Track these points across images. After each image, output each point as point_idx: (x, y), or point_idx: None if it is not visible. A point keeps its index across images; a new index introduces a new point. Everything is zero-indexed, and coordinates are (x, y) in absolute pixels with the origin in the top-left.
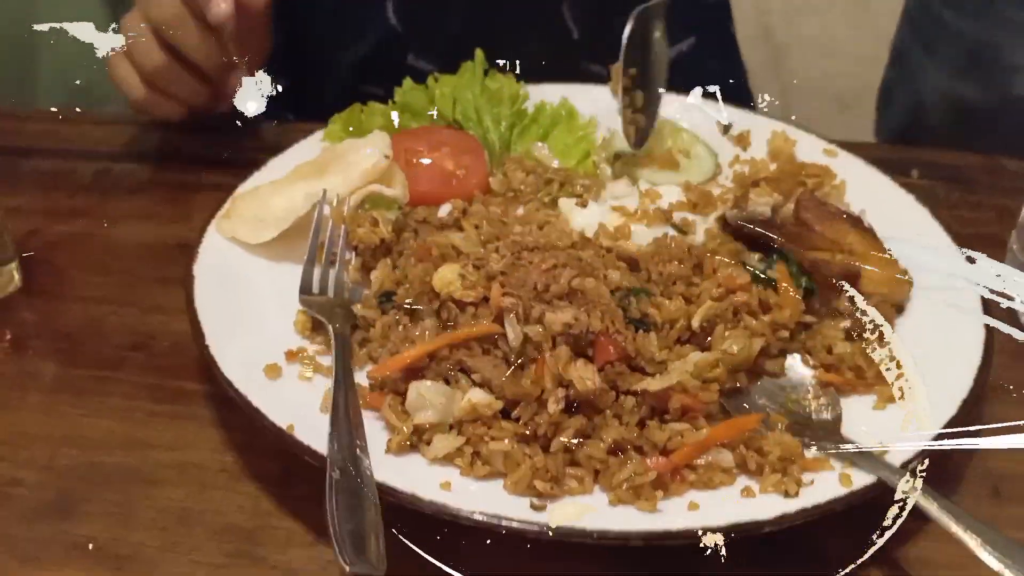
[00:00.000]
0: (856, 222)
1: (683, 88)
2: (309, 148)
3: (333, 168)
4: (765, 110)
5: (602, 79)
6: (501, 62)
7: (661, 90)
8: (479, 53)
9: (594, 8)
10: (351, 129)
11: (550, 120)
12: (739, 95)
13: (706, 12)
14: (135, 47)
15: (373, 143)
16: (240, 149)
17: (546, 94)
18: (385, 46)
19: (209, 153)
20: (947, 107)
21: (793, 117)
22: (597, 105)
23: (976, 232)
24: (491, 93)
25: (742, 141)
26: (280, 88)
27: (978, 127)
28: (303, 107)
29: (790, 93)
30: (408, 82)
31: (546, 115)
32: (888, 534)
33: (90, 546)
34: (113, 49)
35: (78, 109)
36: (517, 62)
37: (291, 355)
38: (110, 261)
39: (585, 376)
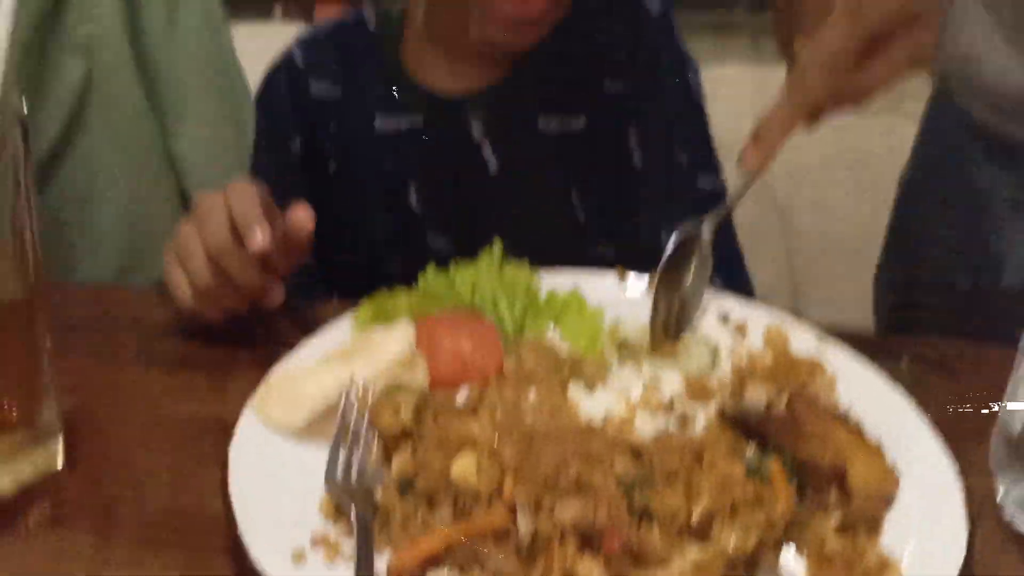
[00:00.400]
0: (844, 418)
1: None
2: (338, 332)
3: (361, 356)
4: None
5: (608, 261)
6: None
7: (698, 301)
8: (497, 242)
9: (600, 194)
10: (379, 314)
11: (561, 306)
12: (737, 278)
13: (705, 197)
14: (187, 261)
15: (398, 334)
16: (274, 326)
17: (557, 281)
18: (405, 227)
19: (245, 330)
20: (941, 294)
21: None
22: (605, 292)
23: (961, 423)
24: (507, 280)
25: (740, 330)
26: (310, 269)
27: (972, 315)
28: (331, 281)
29: (794, 254)
30: (431, 269)
31: (557, 301)
32: None
33: None
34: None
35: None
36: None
37: (316, 540)
38: (150, 437)
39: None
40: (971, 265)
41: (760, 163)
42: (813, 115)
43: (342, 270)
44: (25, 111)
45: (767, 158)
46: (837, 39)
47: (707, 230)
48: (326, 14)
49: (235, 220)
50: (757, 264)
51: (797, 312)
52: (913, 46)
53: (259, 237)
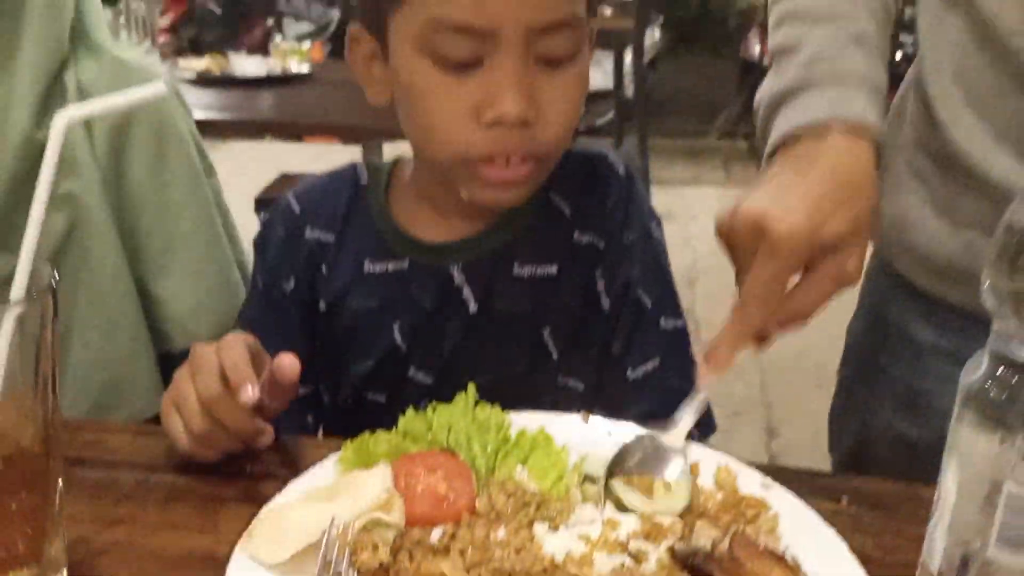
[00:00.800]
0: (780, 559)
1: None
2: (323, 472)
3: (343, 495)
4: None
5: (577, 394)
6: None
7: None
8: (471, 387)
9: (570, 334)
10: (361, 455)
11: (529, 445)
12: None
13: (668, 336)
14: (183, 409)
15: (378, 475)
16: (263, 462)
17: (526, 421)
18: (390, 361)
19: (236, 467)
20: (888, 440)
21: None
22: (571, 432)
23: (893, 559)
24: (480, 422)
25: (694, 470)
26: (299, 398)
27: (916, 460)
28: (318, 410)
29: (767, 373)
30: (410, 411)
31: (526, 441)
32: None
33: None
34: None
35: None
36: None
37: None
38: (145, 570)
39: None
40: (916, 415)
41: (712, 378)
42: (761, 337)
43: (329, 400)
44: (56, 278)
45: (719, 373)
46: (763, 276)
47: (682, 432)
48: (315, 139)
49: (226, 373)
50: (730, 382)
51: (771, 431)
52: (838, 272)
53: (249, 392)
